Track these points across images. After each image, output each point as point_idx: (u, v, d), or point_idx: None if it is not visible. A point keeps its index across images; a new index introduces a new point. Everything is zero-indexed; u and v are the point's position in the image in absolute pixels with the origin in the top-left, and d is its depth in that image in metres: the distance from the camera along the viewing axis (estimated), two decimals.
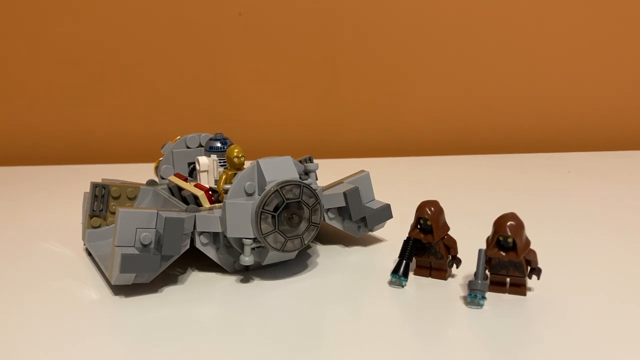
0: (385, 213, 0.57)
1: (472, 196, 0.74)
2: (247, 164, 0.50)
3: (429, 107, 1.04)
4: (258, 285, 0.49)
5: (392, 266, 0.49)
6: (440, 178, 0.85)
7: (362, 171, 0.59)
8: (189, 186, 0.54)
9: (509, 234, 0.44)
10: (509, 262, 0.45)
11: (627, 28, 0.99)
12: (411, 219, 0.49)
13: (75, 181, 0.77)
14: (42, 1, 1.00)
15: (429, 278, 0.49)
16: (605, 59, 1.01)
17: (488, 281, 0.46)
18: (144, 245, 0.46)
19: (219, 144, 0.57)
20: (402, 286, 0.48)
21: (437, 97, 1.03)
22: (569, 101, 1.03)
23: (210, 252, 0.50)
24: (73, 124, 1.05)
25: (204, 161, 0.55)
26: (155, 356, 0.39)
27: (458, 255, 0.49)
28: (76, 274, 0.52)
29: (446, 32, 1.00)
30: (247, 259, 0.47)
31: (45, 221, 0.68)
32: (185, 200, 0.54)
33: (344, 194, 0.54)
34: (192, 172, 0.59)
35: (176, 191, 0.56)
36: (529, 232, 0.45)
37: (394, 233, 0.57)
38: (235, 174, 0.51)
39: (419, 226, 0.48)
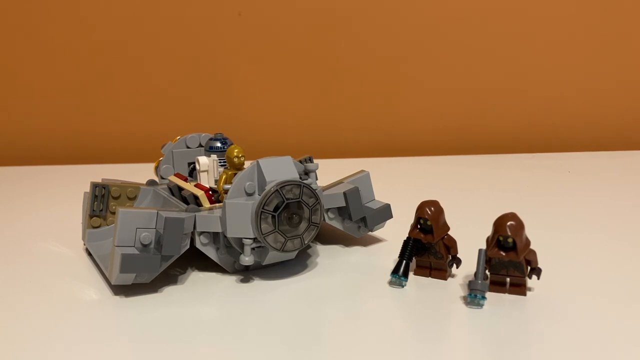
0: (385, 213, 0.57)
1: (472, 196, 0.74)
2: (247, 164, 0.50)
3: (429, 107, 1.04)
4: (258, 285, 0.49)
5: (392, 266, 0.49)
6: (440, 178, 0.85)
7: (362, 171, 0.59)
8: (189, 186, 0.54)
9: (509, 234, 0.44)
10: (509, 262, 0.45)
11: (628, 28, 0.99)
12: (411, 219, 0.49)
13: (75, 181, 0.77)
14: (42, 1, 1.00)
15: (429, 278, 0.49)
16: (605, 59, 1.01)
17: (488, 281, 0.46)
18: (144, 245, 0.46)
19: (219, 144, 0.57)
20: (402, 286, 0.48)
21: (437, 97, 1.03)
22: (569, 101, 1.03)
23: (210, 252, 0.50)
24: (73, 124, 1.05)
25: (204, 161, 0.55)
26: (155, 356, 0.39)
27: (458, 255, 0.49)
28: (76, 274, 0.52)
29: (446, 32, 1.00)
30: (247, 259, 0.47)
31: (45, 221, 0.68)
32: (185, 200, 0.54)
33: (344, 194, 0.54)
34: (192, 172, 0.59)
35: (176, 191, 0.56)
36: (529, 232, 0.45)
37: (394, 233, 0.57)
38: (235, 174, 0.51)
39: (419, 226, 0.48)
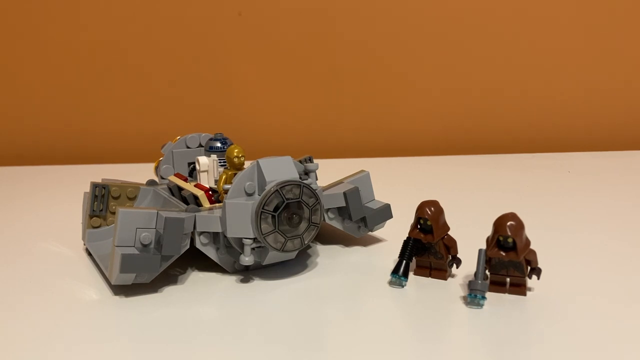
0: (385, 213, 0.57)
1: (472, 196, 0.74)
2: (247, 164, 0.50)
3: (429, 107, 1.04)
4: (258, 285, 0.49)
5: (392, 266, 0.49)
6: (440, 178, 0.85)
7: (362, 171, 0.59)
8: (189, 186, 0.54)
9: (509, 234, 0.44)
10: (509, 262, 0.45)
11: (628, 28, 0.99)
12: (411, 219, 0.49)
13: (75, 181, 0.77)
14: (42, 1, 1.00)
15: (429, 278, 0.49)
16: (605, 58, 1.01)
17: (488, 281, 0.46)
18: (144, 245, 0.46)
19: (219, 144, 0.57)
20: (402, 286, 0.48)
21: (437, 97, 1.03)
22: (569, 101, 1.03)
23: (210, 252, 0.50)
24: (73, 124, 1.05)
25: (204, 161, 0.55)
26: (155, 356, 0.39)
27: (458, 255, 0.49)
28: (76, 274, 0.52)
29: (446, 32, 1.00)
30: (247, 259, 0.47)
31: (45, 221, 0.68)
32: (185, 200, 0.54)
33: (344, 194, 0.54)
34: (192, 172, 0.59)
35: (176, 191, 0.56)
36: (529, 232, 0.45)
37: (394, 233, 0.57)
38: (235, 174, 0.51)
39: (419, 226, 0.48)
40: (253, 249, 0.48)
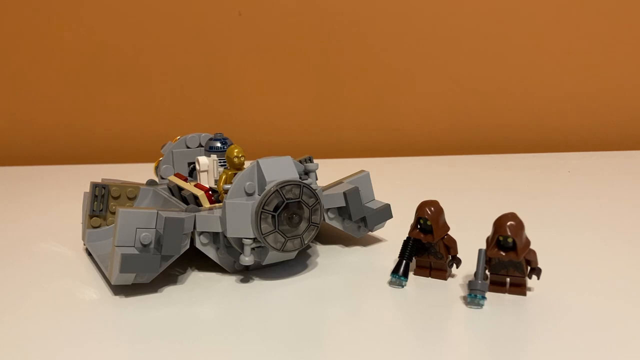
0: (385, 213, 0.57)
1: (471, 196, 0.74)
2: (247, 164, 0.50)
3: (429, 107, 1.04)
4: (258, 285, 0.49)
5: (392, 266, 0.49)
6: (440, 178, 0.85)
7: (362, 171, 0.59)
8: (189, 186, 0.54)
9: (509, 234, 0.44)
10: (509, 262, 0.45)
11: (628, 28, 0.99)
12: (411, 219, 0.49)
13: (75, 181, 0.77)
14: (42, 1, 1.00)
15: (429, 278, 0.49)
16: (605, 59, 1.01)
17: (488, 281, 0.46)
18: (144, 245, 0.46)
19: (219, 144, 0.57)
20: (402, 286, 0.48)
21: (437, 97, 1.03)
22: (569, 101, 1.03)
23: (210, 252, 0.50)
24: (73, 124, 1.05)
25: (204, 161, 0.55)
26: (155, 356, 0.39)
27: (458, 255, 0.49)
28: (76, 274, 0.52)
29: (446, 32, 1.00)
30: (247, 259, 0.48)
31: (45, 221, 0.68)
32: (185, 200, 0.54)
33: (344, 194, 0.54)
34: (192, 172, 0.59)
35: (176, 191, 0.56)
36: (529, 232, 0.45)
37: (394, 233, 0.57)
38: (235, 174, 0.51)
39: (419, 226, 0.48)
40: (253, 249, 0.48)
